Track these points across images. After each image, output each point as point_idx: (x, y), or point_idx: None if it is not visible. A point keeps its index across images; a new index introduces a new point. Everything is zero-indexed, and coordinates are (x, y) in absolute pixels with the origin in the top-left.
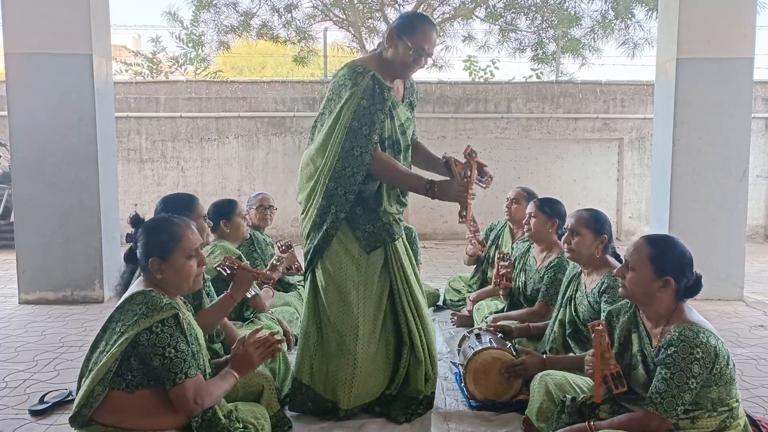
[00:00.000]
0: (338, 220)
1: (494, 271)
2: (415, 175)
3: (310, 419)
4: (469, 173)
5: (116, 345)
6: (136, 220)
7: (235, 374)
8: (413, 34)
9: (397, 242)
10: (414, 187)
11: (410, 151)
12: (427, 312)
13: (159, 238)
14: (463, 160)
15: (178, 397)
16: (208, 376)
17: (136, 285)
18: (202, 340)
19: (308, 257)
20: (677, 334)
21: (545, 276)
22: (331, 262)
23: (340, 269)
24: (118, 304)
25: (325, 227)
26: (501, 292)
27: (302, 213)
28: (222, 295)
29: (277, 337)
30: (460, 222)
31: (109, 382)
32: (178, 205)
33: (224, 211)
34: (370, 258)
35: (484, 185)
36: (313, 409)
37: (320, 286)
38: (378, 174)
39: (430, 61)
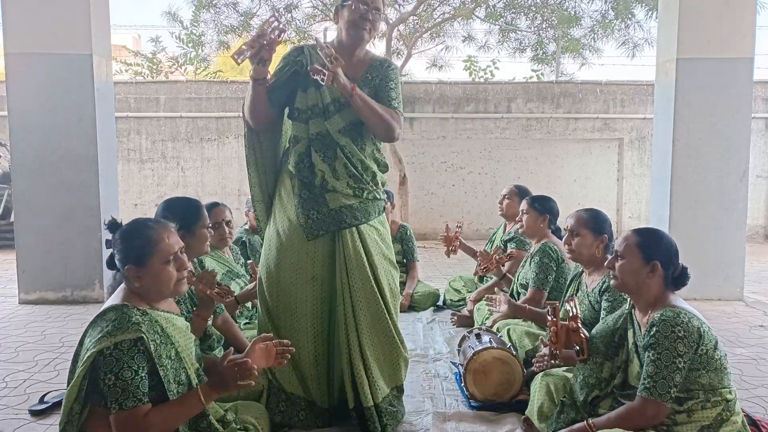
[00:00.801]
0: (267, 204)
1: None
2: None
3: None
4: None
5: (82, 363)
6: (112, 225)
7: (201, 396)
8: None
9: (346, 231)
10: (252, 92)
11: (360, 128)
12: (377, 313)
13: (134, 243)
14: None
15: (113, 425)
16: (189, 387)
17: (115, 295)
18: (188, 350)
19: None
20: (658, 315)
21: (532, 262)
22: (267, 257)
23: (268, 270)
24: (95, 316)
25: (259, 219)
26: (480, 269)
27: None
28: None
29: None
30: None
31: (91, 399)
32: (183, 211)
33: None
34: (310, 247)
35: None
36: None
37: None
38: (248, 117)
39: (380, 19)
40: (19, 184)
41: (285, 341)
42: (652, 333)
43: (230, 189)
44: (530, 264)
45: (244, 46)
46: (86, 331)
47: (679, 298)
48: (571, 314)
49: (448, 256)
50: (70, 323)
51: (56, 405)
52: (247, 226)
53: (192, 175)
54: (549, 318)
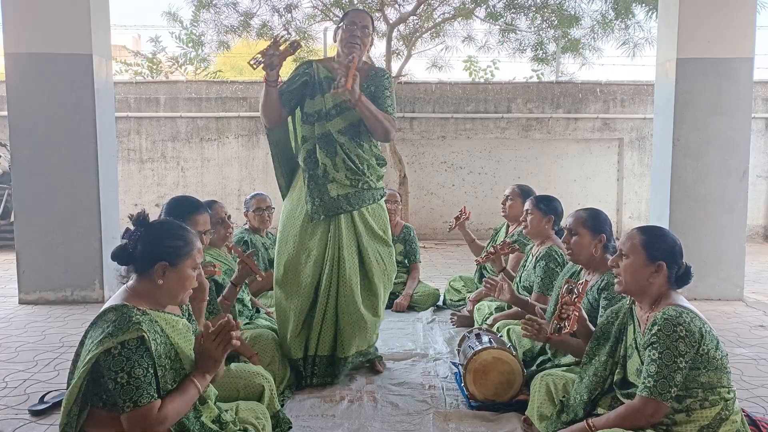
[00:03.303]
0: (286, 186)
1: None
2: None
3: (309, 418)
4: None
5: (83, 363)
6: (142, 219)
7: (196, 382)
8: (345, 18)
9: (342, 216)
10: (265, 94)
11: (357, 129)
12: (355, 285)
13: (172, 242)
14: None
15: (127, 424)
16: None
17: (116, 296)
18: (187, 350)
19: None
20: (660, 314)
21: (537, 266)
22: (282, 235)
23: (283, 242)
24: (94, 317)
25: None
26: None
27: None
28: (228, 287)
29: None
30: (335, 92)
31: (90, 400)
32: (185, 209)
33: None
34: (312, 228)
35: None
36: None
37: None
38: (261, 112)
39: (369, 36)
40: (19, 184)
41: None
42: (653, 332)
43: (230, 189)
44: (535, 267)
45: (259, 55)
46: (87, 333)
47: (681, 297)
48: (576, 293)
49: (448, 230)
50: (70, 323)
51: (56, 405)
52: (247, 226)
53: (192, 175)
54: (565, 295)
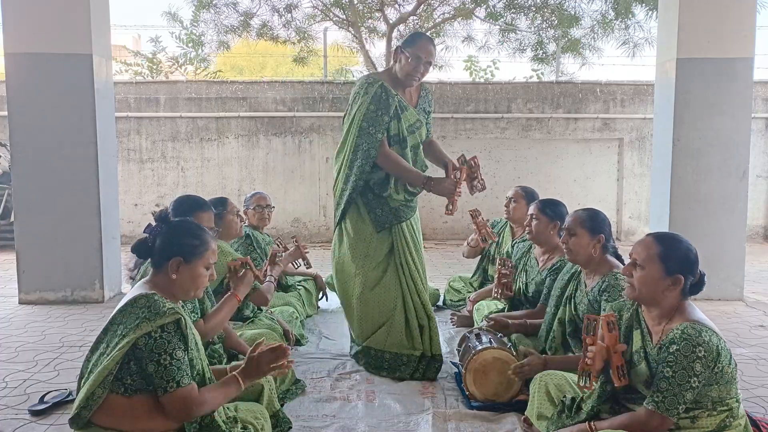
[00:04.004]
0: (351, 200)
1: (495, 276)
2: (413, 170)
3: (309, 419)
4: (458, 176)
5: (117, 348)
6: (164, 216)
7: (241, 380)
8: (412, 45)
9: (403, 224)
10: (412, 180)
11: (420, 147)
12: (424, 282)
13: (189, 240)
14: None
15: (169, 405)
16: (208, 381)
17: (139, 287)
18: (200, 345)
19: (334, 228)
20: (680, 332)
21: (548, 278)
22: (348, 238)
23: (351, 244)
24: (119, 306)
25: (342, 206)
26: (501, 299)
27: (333, 190)
28: (227, 295)
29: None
30: (446, 213)
31: (109, 386)
32: (190, 207)
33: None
34: (379, 236)
35: (474, 190)
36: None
37: (339, 255)
38: (382, 165)
39: (430, 69)
40: (19, 184)
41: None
42: (671, 351)
43: (230, 189)
44: (544, 279)
45: None
46: (114, 319)
47: (696, 309)
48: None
49: (485, 241)
50: (70, 323)
51: (56, 405)
52: (246, 224)
53: (192, 175)
54: (585, 334)
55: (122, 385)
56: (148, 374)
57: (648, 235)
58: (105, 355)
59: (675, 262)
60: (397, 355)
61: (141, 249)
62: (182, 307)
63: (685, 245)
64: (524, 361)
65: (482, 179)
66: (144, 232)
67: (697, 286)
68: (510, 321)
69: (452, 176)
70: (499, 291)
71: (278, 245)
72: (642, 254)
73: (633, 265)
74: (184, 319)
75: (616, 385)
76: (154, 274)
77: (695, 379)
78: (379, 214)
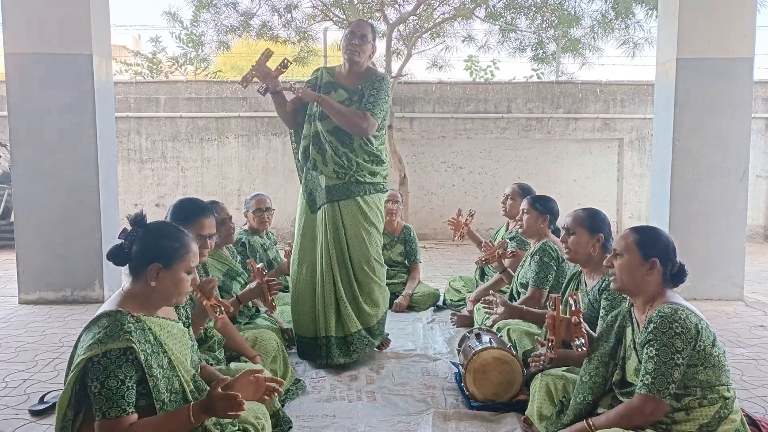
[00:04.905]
0: (300, 179)
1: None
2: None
3: (309, 418)
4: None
5: (73, 368)
6: (139, 219)
7: (192, 415)
8: (346, 28)
9: (333, 204)
10: (274, 104)
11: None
12: (343, 267)
13: (169, 244)
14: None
15: None
16: (192, 399)
17: (111, 300)
18: (182, 356)
19: None
20: (656, 312)
21: (532, 261)
22: (296, 219)
23: (297, 221)
24: (90, 321)
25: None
26: (483, 264)
27: None
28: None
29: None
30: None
31: (84, 404)
32: (191, 212)
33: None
34: (313, 217)
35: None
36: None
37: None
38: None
39: (368, 44)
40: (19, 184)
41: (278, 379)
42: (649, 329)
43: (230, 189)
44: (530, 263)
45: (252, 75)
46: (80, 336)
47: (676, 295)
48: (573, 308)
49: (453, 239)
50: (70, 323)
51: (56, 405)
52: (246, 227)
53: (192, 175)
54: (549, 310)
55: (90, 407)
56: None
57: (627, 228)
58: (69, 374)
59: (651, 248)
60: (312, 339)
61: (117, 256)
62: (179, 311)
63: (661, 234)
64: (541, 350)
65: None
66: (119, 237)
67: (678, 276)
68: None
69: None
70: (483, 259)
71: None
72: (621, 244)
73: (614, 256)
74: (143, 344)
75: (585, 348)
76: (132, 282)
77: (678, 355)
78: (312, 195)
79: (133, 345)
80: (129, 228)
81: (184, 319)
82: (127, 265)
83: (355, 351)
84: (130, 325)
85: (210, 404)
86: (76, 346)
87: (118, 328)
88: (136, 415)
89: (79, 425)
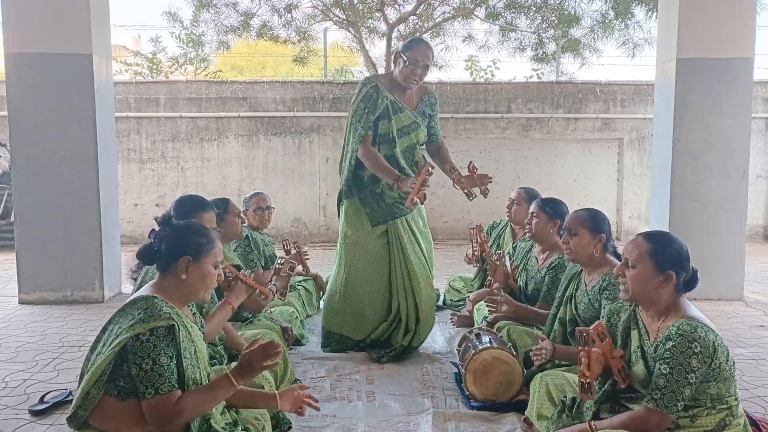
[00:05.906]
0: (349, 191)
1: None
2: (388, 168)
3: (309, 418)
4: (417, 177)
5: (110, 347)
6: (167, 219)
7: (234, 379)
8: (410, 50)
9: (399, 222)
10: (385, 177)
11: (416, 149)
12: (425, 280)
13: (196, 239)
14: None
15: (147, 411)
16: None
17: (144, 289)
18: (202, 353)
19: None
20: (675, 328)
21: (546, 276)
22: (346, 227)
23: (346, 235)
24: (121, 306)
25: (342, 194)
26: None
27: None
28: (221, 302)
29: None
30: (406, 205)
31: (104, 387)
32: (192, 207)
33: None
34: (374, 230)
35: (470, 196)
36: (337, 347)
37: (340, 244)
38: (362, 160)
39: (428, 72)
40: (19, 184)
41: (313, 397)
42: (668, 347)
43: (230, 189)
44: (543, 277)
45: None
46: (112, 319)
47: (690, 306)
48: (596, 337)
49: (481, 261)
50: (70, 323)
51: (56, 405)
52: (246, 225)
53: (192, 175)
54: (579, 346)
55: (116, 388)
56: (133, 378)
57: (639, 234)
58: (101, 355)
59: (666, 259)
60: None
61: (147, 254)
62: (194, 313)
63: (675, 242)
64: (542, 344)
65: (486, 188)
66: (148, 237)
67: (690, 282)
68: (505, 300)
69: (422, 173)
70: (473, 256)
71: (285, 250)
72: (633, 253)
73: (625, 265)
74: (180, 326)
75: (622, 386)
76: (161, 277)
77: (692, 375)
78: (374, 209)
79: (175, 323)
80: (157, 228)
81: (199, 326)
82: (156, 264)
83: (387, 356)
84: (167, 308)
85: (246, 363)
86: (104, 330)
87: (158, 308)
88: (180, 391)
89: (93, 408)
